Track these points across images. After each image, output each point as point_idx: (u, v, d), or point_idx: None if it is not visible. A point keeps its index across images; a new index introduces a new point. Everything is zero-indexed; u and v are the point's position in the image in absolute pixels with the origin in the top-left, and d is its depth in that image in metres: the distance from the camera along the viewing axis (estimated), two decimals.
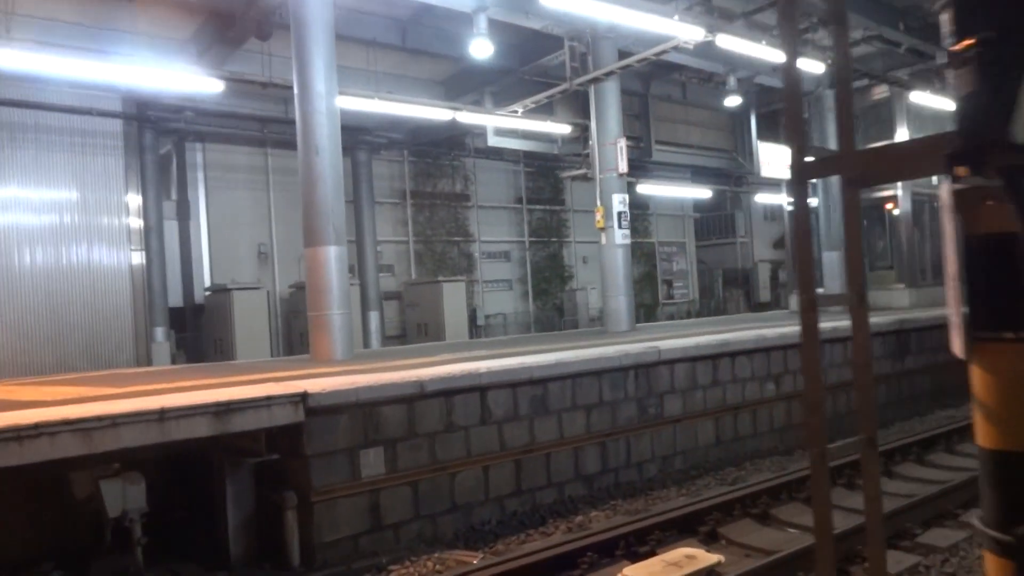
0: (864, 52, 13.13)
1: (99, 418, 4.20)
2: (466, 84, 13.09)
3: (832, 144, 14.33)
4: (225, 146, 14.65)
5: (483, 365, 6.06)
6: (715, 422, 7.68)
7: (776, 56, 9.76)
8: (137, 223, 11.79)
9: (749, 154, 16.89)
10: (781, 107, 14.79)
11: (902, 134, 14.18)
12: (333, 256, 7.83)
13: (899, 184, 14.31)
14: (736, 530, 5.55)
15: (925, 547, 5.00)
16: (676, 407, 7.34)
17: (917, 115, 14.43)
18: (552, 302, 21.61)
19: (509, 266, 21.11)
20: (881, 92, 14.49)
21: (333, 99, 8.00)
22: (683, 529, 5.46)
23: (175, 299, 13.38)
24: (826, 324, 9.30)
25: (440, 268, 19.13)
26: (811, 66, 10.24)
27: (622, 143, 10.63)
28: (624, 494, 6.57)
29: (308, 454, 5.09)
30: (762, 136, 15.30)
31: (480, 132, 19.58)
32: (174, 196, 13.60)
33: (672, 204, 25.65)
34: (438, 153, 19.17)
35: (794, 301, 15.84)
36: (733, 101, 12.97)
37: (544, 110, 12.53)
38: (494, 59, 12.12)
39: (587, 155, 13.27)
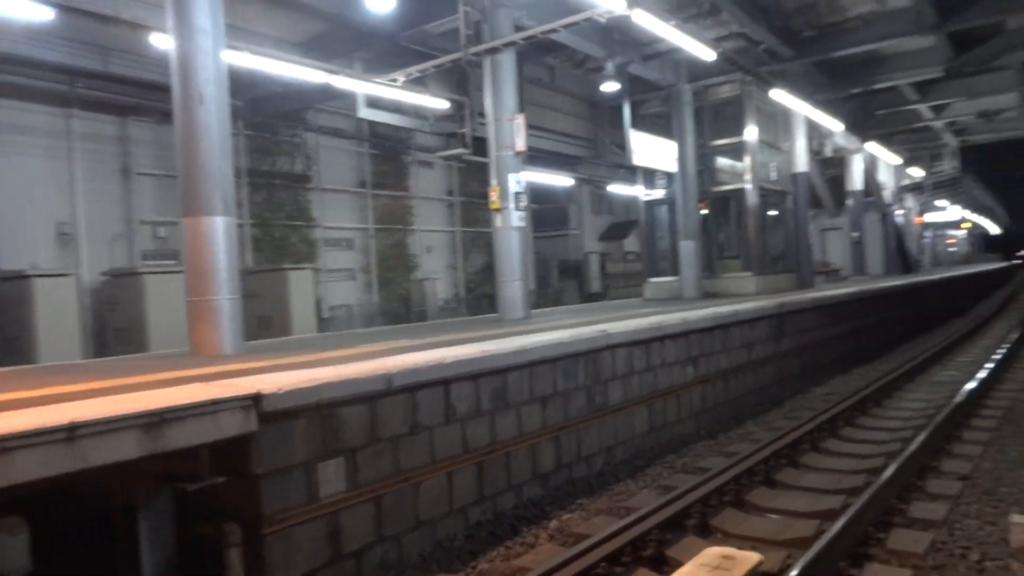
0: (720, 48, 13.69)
1: None
2: (332, 48, 11.76)
3: (689, 137, 14.87)
4: (15, 103, 12.07)
5: (448, 354, 5.18)
6: (648, 409, 7.38)
7: (686, 40, 9.71)
8: None
9: (609, 144, 17.10)
10: (648, 98, 15.10)
11: (751, 131, 15.03)
12: (221, 228, 6.44)
13: (747, 177, 15.17)
14: (724, 521, 5.21)
15: None
16: (617, 395, 6.92)
17: (759, 111, 15.38)
18: (397, 292, 20.57)
19: (352, 254, 19.77)
20: (731, 90, 15.22)
21: (220, 37, 6.58)
22: (674, 526, 5.01)
23: None
24: (726, 308, 9.44)
25: (279, 255, 17.39)
26: (703, 51, 10.32)
27: (520, 120, 10.03)
28: (583, 491, 6.02)
29: (258, 473, 3.94)
30: (633, 126, 15.48)
31: (324, 107, 18.20)
32: None
33: None
34: (277, 128, 17.39)
35: (649, 289, 16.31)
36: (611, 87, 12.90)
37: (414, 84, 11.60)
38: (369, 22, 11.03)
39: (463, 134, 12.58)
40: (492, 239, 10.41)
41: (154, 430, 3.43)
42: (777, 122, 16.56)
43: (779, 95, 13.38)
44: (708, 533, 5.06)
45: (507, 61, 10.15)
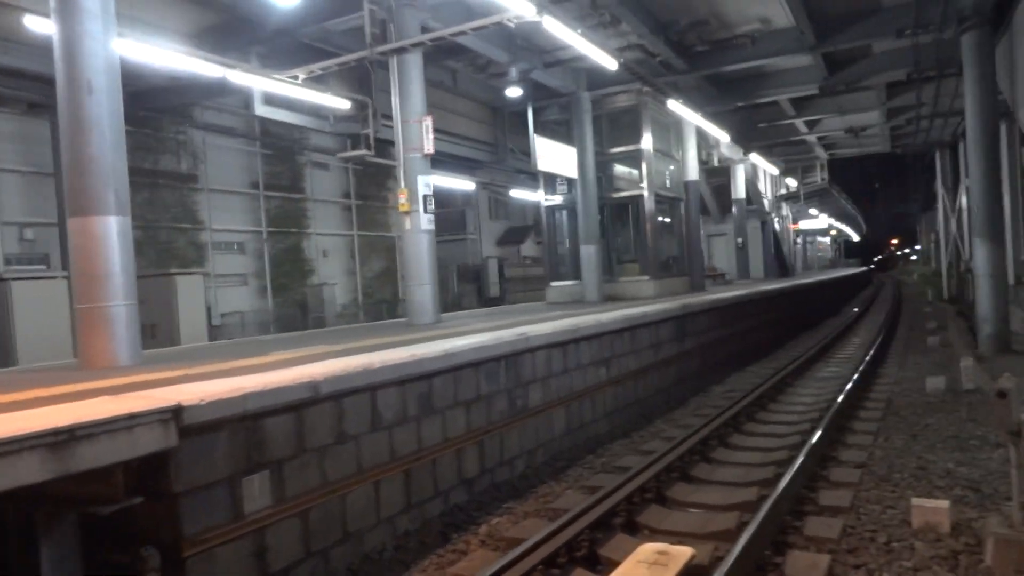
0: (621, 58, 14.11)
1: None
2: (226, 41, 11.15)
3: (589, 144, 15.21)
4: None
5: (375, 359, 5.00)
6: (566, 410, 7.45)
7: (591, 49, 9.90)
8: None
9: (510, 149, 17.21)
10: (548, 105, 15.30)
11: (647, 140, 15.56)
12: (115, 229, 5.96)
13: (644, 185, 15.69)
14: (649, 518, 5.32)
15: None
16: (537, 397, 6.94)
17: (654, 121, 15.97)
18: (293, 298, 19.83)
19: (244, 259, 18.91)
20: (628, 99, 15.70)
21: (111, 20, 6.10)
22: (603, 525, 5.07)
23: None
24: (635, 310, 9.70)
25: (165, 259, 16.36)
26: (606, 60, 10.57)
27: (428, 121, 9.91)
28: (508, 495, 5.98)
29: (178, 491, 3.64)
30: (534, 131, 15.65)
31: (212, 104, 17.30)
32: None
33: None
34: (161, 124, 16.36)
35: (552, 293, 16.54)
36: (515, 92, 13.00)
37: (315, 82, 11.24)
38: (268, 15, 10.59)
39: (366, 135, 12.29)
40: (399, 242, 10.24)
41: (62, 450, 3.10)
42: (670, 132, 17.25)
43: (675, 106, 13.94)
44: (636, 530, 5.15)
45: (414, 61, 10.01)
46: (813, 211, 34.22)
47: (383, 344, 6.61)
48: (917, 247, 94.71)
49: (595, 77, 15.27)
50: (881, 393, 9.47)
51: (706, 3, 12.23)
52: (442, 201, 29.13)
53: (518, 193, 19.62)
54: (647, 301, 13.46)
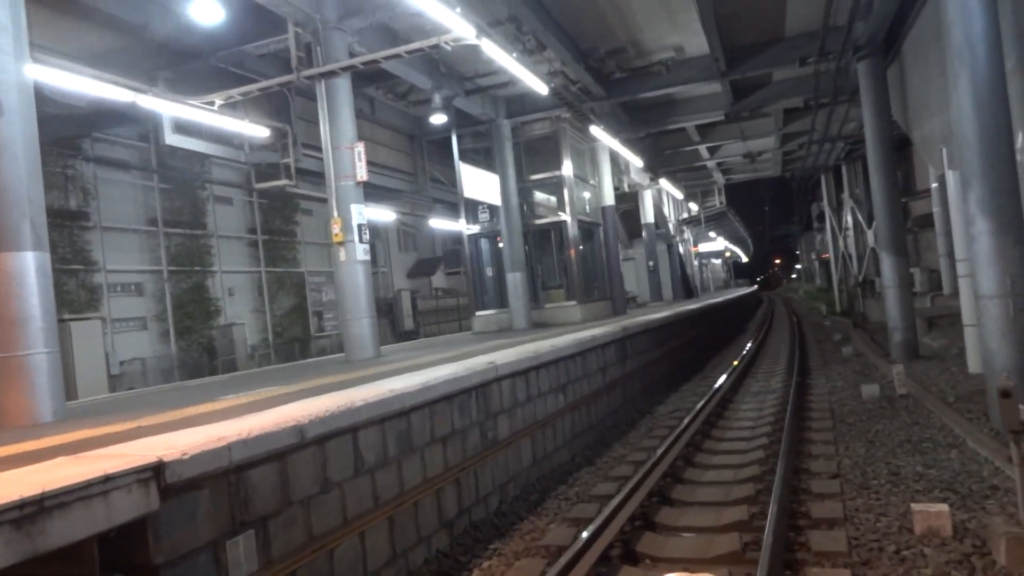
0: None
1: None
2: (129, 65, 10.31)
3: (511, 171, 15.17)
4: None
5: (355, 396, 4.56)
6: (532, 440, 7.15)
7: (525, 74, 9.82)
8: None
9: (430, 178, 16.91)
10: (465, 133, 15.16)
11: (567, 166, 15.68)
12: (32, 267, 5.25)
13: (567, 210, 15.77)
14: (647, 546, 5.09)
15: None
16: (505, 429, 6.62)
17: (572, 148, 16.15)
18: (198, 341, 18.55)
19: (144, 301, 17.57)
20: (546, 127, 15.81)
21: (22, 35, 5.43)
22: (603, 559, 4.80)
23: None
24: (585, 334, 9.56)
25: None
26: (538, 85, 10.55)
27: (360, 148, 9.52)
28: (490, 535, 5.61)
29: (158, 563, 3.10)
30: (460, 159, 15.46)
31: (104, 136, 16.09)
32: None
33: (317, 231, 24.49)
34: (46, 157, 14.99)
35: (478, 322, 16.25)
36: (439, 119, 12.76)
37: (229, 109, 10.62)
38: (179, 38, 9.93)
39: (286, 164, 11.74)
40: (335, 274, 9.69)
41: (30, 526, 2.54)
42: (585, 159, 17.51)
43: (597, 131, 14.13)
44: (636, 560, 4.91)
45: (344, 86, 9.63)
46: (712, 234, 35.76)
47: (335, 384, 6.14)
48: (797, 266, 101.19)
49: (514, 105, 15.33)
50: (821, 403, 9.73)
51: (625, 30, 12.51)
52: None
53: (437, 223, 19.27)
54: (576, 326, 13.42)
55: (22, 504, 2.51)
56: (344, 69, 9.31)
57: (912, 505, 4.78)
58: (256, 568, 3.62)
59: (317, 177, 15.38)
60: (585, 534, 5.01)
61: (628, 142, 17.36)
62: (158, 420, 4.57)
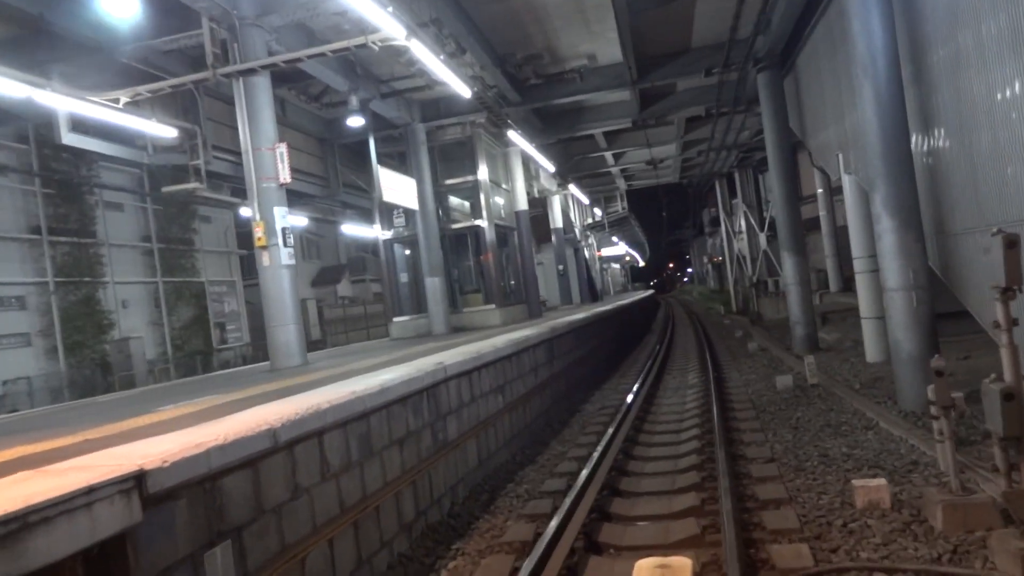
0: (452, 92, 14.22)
1: None
2: (24, 57, 9.54)
3: (427, 175, 15.09)
4: None
5: (320, 399, 4.40)
6: (476, 441, 7.13)
7: (450, 76, 9.80)
8: None
9: (343, 183, 16.54)
10: (385, 135, 14.95)
11: (483, 171, 15.76)
12: None
13: (484, 215, 15.84)
14: (608, 535, 5.19)
15: None
16: (453, 430, 6.58)
17: (487, 153, 16.26)
18: (90, 357, 17.30)
19: (26, 315, 16.24)
20: (461, 131, 15.83)
21: None
22: (572, 550, 4.86)
23: None
24: (518, 335, 9.62)
25: None
26: (461, 88, 10.56)
27: (282, 148, 9.22)
28: (450, 536, 5.55)
29: None
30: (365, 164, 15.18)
31: None
32: None
33: (217, 239, 23.44)
34: None
35: (396, 328, 16.03)
36: (356, 121, 12.50)
37: (132, 108, 10.03)
38: (79, 30, 9.31)
39: (196, 166, 11.21)
40: (260, 279, 9.31)
41: (13, 544, 2.32)
42: (499, 163, 17.66)
43: (515, 137, 14.28)
44: (600, 550, 4.99)
45: (263, 85, 9.31)
46: (615, 239, 36.83)
47: (276, 391, 5.93)
48: (689, 270, 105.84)
49: (429, 109, 15.27)
50: (739, 394, 10.23)
51: (542, 36, 12.72)
52: (248, 242, 27.39)
53: (349, 228, 18.86)
54: (495, 330, 13.48)
55: (5, 520, 2.28)
56: (265, 67, 8.99)
57: (853, 481, 5.11)
58: None
59: (222, 180, 14.79)
60: (553, 525, 5.07)
61: (540, 148, 17.64)
62: (101, 433, 4.25)
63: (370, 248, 36.90)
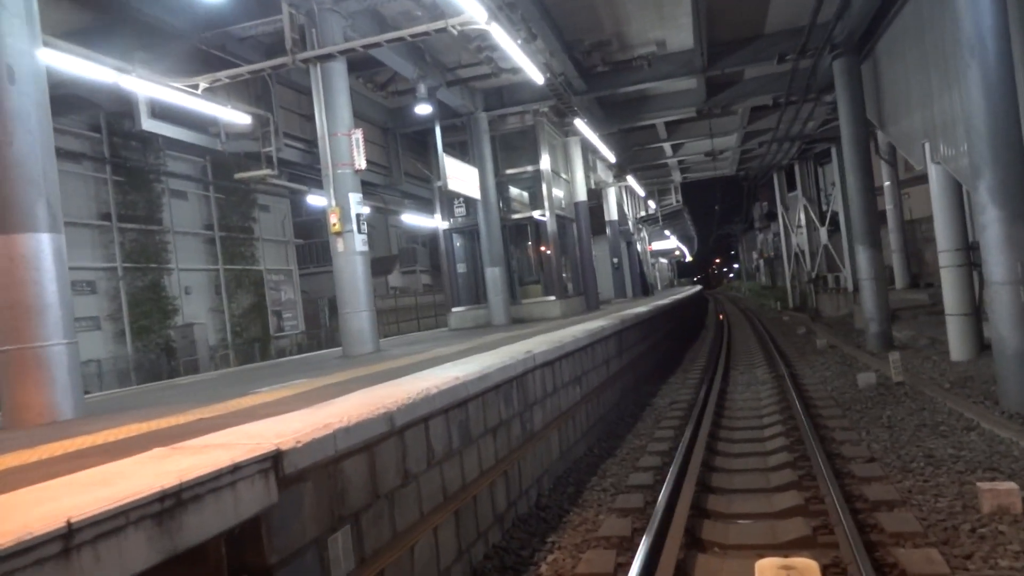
0: (516, 80, 14.07)
1: None
2: (107, 44, 9.67)
3: (489, 165, 14.95)
4: None
5: (428, 383, 4.30)
6: (558, 432, 6.98)
7: (525, 62, 9.64)
8: None
9: (404, 172, 16.54)
10: (448, 124, 14.85)
11: (545, 161, 15.56)
12: (49, 249, 4.80)
13: (546, 205, 15.65)
14: (710, 533, 4.99)
15: None
16: (539, 420, 6.44)
17: (548, 143, 16.05)
18: (156, 341, 17.68)
19: (96, 299, 16.65)
20: (523, 120, 15.64)
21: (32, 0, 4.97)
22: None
23: None
24: (593, 324, 9.44)
25: None
26: (535, 75, 10.39)
27: (358, 134, 9.17)
28: (542, 529, 5.41)
29: (272, 563, 2.81)
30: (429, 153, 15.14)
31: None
32: None
33: (275, 228, 23.76)
34: None
35: (454, 319, 15.98)
36: (424, 109, 12.43)
37: (205, 94, 10.09)
38: (163, 16, 9.39)
39: (268, 153, 11.28)
40: (335, 261, 9.28)
41: (168, 521, 2.24)
42: (559, 153, 17.43)
43: (581, 126, 14.05)
44: (705, 548, 4.79)
45: (340, 70, 9.28)
46: (667, 232, 36.29)
47: (364, 377, 5.87)
48: (735, 266, 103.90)
49: (491, 98, 15.13)
50: (818, 392, 9.87)
51: (612, 22, 12.46)
52: (305, 231, 27.71)
53: (410, 219, 18.88)
54: (555, 321, 13.32)
55: (162, 496, 2.20)
56: (343, 52, 8.96)
57: (979, 484, 4.81)
58: (353, 567, 3.34)
59: (287, 168, 14.88)
60: (656, 520, 4.89)
61: (602, 138, 17.37)
62: (213, 412, 4.21)
63: (420, 239, 37.15)
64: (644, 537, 4.58)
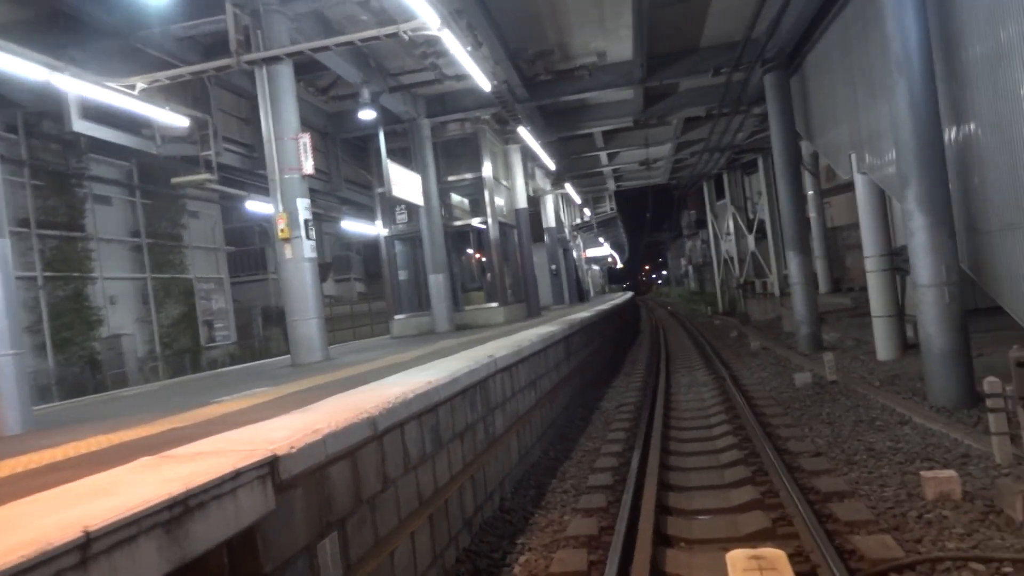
0: (459, 88, 14.14)
1: None
2: (36, 40, 9.19)
3: (431, 171, 14.93)
4: None
5: (405, 388, 4.28)
6: (517, 436, 7.04)
7: (473, 68, 9.70)
8: None
9: (344, 178, 16.31)
10: (394, 130, 14.75)
11: (487, 168, 15.65)
12: None
13: (488, 212, 15.73)
14: (675, 529, 5.13)
15: None
16: (499, 424, 6.48)
17: (490, 150, 16.16)
18: (78, 354, 16.83)
19: None
20: (464, 128, 15.71)
21: None
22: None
23: None
24: (544, 329, 9.54)
25: None
26: (483, 81, 10.46)
27: (305, 139, 9.03)
28: (508, 531, 5.44)
29: (268, 571, 2.76)
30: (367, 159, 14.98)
31: None
32: None
33: (205, 235, 23.01)
34: None
35: (397, 326, 15.85)
36: (368, 115, 12.31)
37: (142, 95, 9.76)
38: (98, 13, 9.04)
39: (207, 157, 10.97)
40: (280, 273, 9.11)
41: (176, 529, 2.18)
42: (499, 161, 17.55)
43: (524, 133, 14.20)
44: (672, 543, 4.93)
45: (287, 73, 9.12)
46: (601, 239, 36.91)
47: (326, 384, 5.78)
48: (664, 272, 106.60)
49: (434, 104, 15.14)
50: (758, 392, 10.26)
51: (556, 32, 12.67)
52: (237, 238, 26.91)
53: (349, 225, 18.61)
54: (499, 328, 13.41)
55: (171, 504, 2.14)
56: (290, 55, 8.81)
57: (922, 472, 5.11)
58: (341, 574, 3.30)
59: (227, 172, 14.48)
60: (623, 518, 5.00)
61: (542, 146, 17.58)
62: (183, 423, 4.08)
63: (355, 247, 36.61)
64: (615, 535, 4.68)
